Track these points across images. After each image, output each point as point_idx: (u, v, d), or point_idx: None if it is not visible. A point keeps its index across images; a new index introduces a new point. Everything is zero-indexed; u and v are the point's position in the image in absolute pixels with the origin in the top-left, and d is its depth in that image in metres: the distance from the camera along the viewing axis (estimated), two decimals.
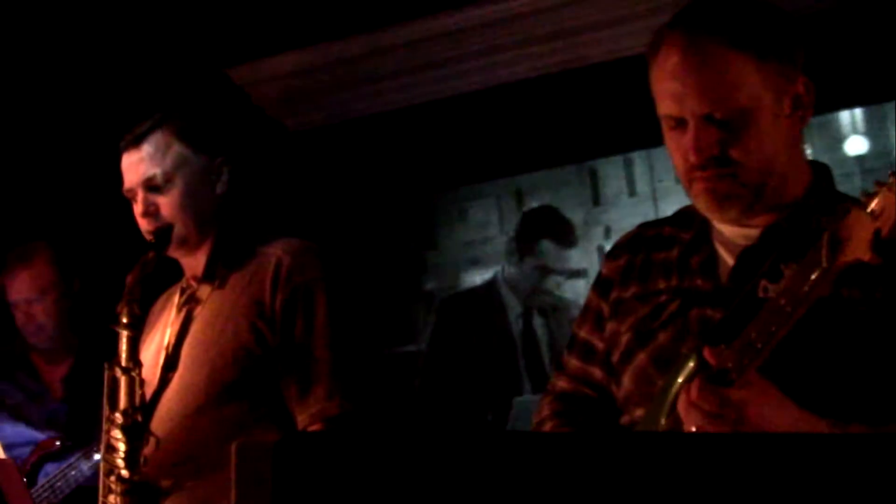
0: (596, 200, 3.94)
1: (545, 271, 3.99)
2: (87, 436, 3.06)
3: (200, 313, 2.30)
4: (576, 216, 3.94)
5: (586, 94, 3.69)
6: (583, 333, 1.79)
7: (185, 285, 2.40)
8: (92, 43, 3.84)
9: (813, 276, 1.34)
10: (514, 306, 4.02)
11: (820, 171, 1.66)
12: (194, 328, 2.29)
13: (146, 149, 2.29)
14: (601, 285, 1.78)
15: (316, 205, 4.14)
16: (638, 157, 3.90)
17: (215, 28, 3.89)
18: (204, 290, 2.32)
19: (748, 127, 1.52)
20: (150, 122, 2.32)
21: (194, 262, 2.35)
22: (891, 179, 1.34)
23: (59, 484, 2.97)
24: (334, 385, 2.17)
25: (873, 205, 1.33)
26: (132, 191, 2.30)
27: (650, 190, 3.92)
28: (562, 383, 1.81)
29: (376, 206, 4.24)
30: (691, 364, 1.49)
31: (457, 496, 0.97)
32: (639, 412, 1.61)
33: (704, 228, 1.66)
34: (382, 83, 4.09)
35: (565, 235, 3.97)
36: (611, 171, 3.91)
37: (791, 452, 0.97)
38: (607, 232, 3.89)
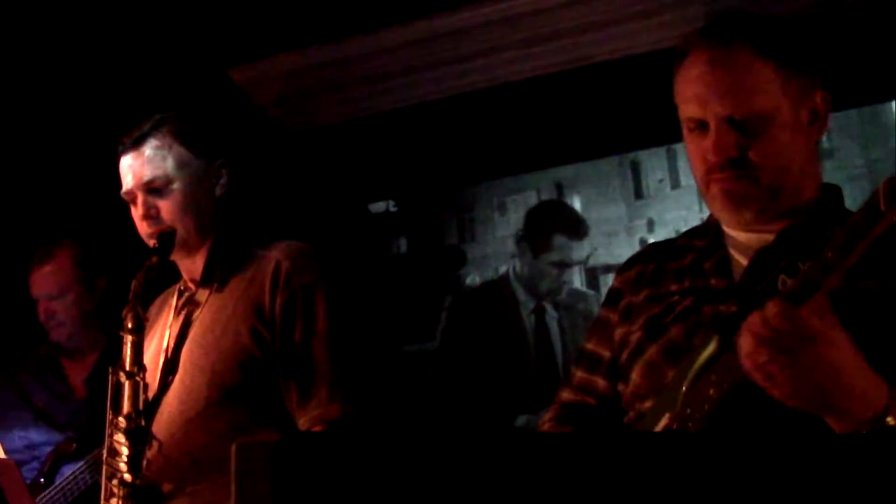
0: (638, 193, 3.90)
1: (559, 266, 3.97)
2: (102, 437, 3.07)
3: (199, 316, 2.29)
4: (618, 209, 3.89)
5: (618, 87, 3.67)
6: (590, 346, 1.82)
7: (182, 288, 2.39)
8: (96, 44, 3.84)
9: (868, 226, 1.34)
10: (526, 302, 4.01)
11: (830, 190, 1.70)
12: (194, 332, 2.28)
13: (146, 151, 2.28)
14: (611, 297, 1.81)
15: (317, 205, 4.15)
16: (681, 149, 3.86)
17: (215, 28, 3.89)
18: (202, 294, 2.32)
19: (767, 132, 1.57)
20: (149, 125, 2.32)
21: (193, 265, 2.34)
22: None
23: (69, 486, 2.98)
24: (335, 388, 2.16)
25: None
26: (131, 193, 2.30)
27: (694, 182, 3.88)
28: (565, 394, 1.84)
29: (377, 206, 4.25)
30: (712, 348, 1.50)
31: (457, 496, 0.97)
32: (647, 405, 1.61)
33: (718, 237, 1.69)
34: (382, 83, 4.09)
35: (576, 228, 3.95)
36: (653, 163, 3.86)
37: (785, 453, 0.97)
38: (650, 225, 3.86)
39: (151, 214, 2.27)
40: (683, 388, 1.52)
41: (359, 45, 4.03)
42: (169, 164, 2.28)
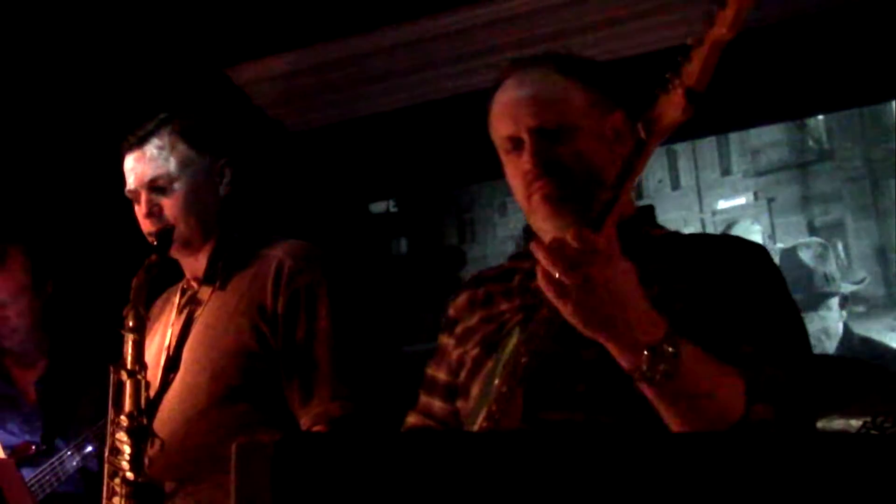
0: (638, 194, 3.89)
1: None
2: (62, 438, 3.07)
3: (202, 315, 2.29)
4: None
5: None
6: (429, 371, 1.92)
7: (185, 286, 2.40)
8: (91, 44, 3.84)
9: (633, 155, 1.48)
10: None
11: (643, 208, 1.82)
12: (195, 330, 2.28)
13: (150, 150, 2.29)
14: (447, 325, 1.91)
15: (317, 205, 4.15)
16: (681, 150, 3.87)
17: (215, 28, 3.89)
18: (205, 292, 2.32)
19: (576, 139, 1.70)
20: (154, 123, 2.32)
21: (195, 264, 2.35)
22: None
23: (33, 489, 2.97)
24: (336, 387, 2.17)
25: (676, 81, 1.45)
26: (135, 192, 2.30)
27: (694, 183, 3.90)
28: (411, 419, 1.92)
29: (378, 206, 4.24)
30: (516, 337, 1.61)
31: (457, 496, 0.97)
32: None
33: None
34: (382, 83, 4.09)
35: None
36: (653, 164, 3.85)
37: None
38: None
39: (154, 213, 2.28)
40: (496, 381, 1.61)
41: (359, 45, 4.03)
42: (172, 163, 2.28)
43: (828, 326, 3.77)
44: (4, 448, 3.03)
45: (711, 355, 1.47)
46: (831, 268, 3.78)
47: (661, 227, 1.82)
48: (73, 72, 3.90)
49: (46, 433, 3.11)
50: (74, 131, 3.88)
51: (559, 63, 1.76)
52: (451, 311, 1.92)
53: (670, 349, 1.42)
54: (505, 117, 1.74)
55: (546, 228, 1.74)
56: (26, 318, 3.18)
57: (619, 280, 1.43)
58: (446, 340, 1.90)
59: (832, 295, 3.77)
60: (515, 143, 1.72)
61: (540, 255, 1.45)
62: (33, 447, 3.08)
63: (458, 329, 1.86)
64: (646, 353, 1.42)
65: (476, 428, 1.61)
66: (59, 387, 3.18)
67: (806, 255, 3.82)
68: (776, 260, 3.82)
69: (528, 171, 1.69)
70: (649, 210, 1.83)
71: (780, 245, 3.86)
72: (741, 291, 1.60)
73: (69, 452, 2.97)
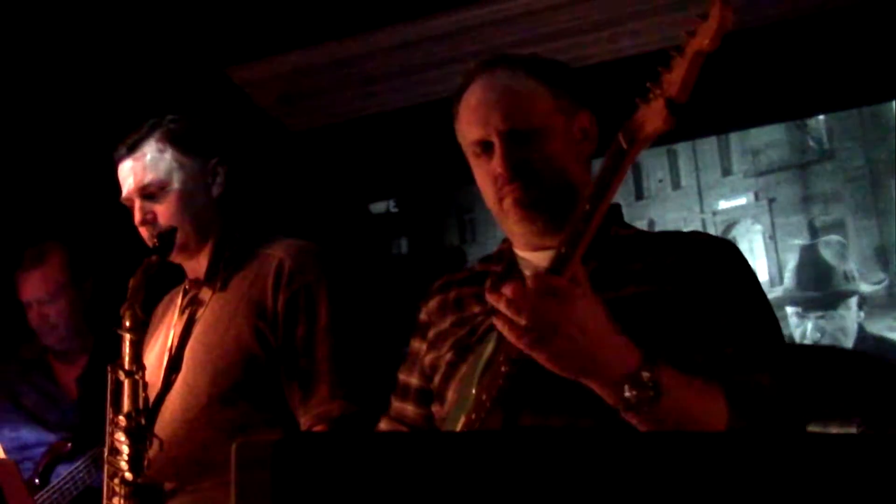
0: (639, 194, 3.89)
1: None
2: (98, 437, 3.07)
3: (203, 315, 2.30)
4: None
5: (616, 88, 3.67)
6: (402, 377, 1.92)
7: (187, 287, 2.40)
8: (95, 44, 3.84)
9: (614, 165, 1.49)
10: None
11: (610, 208, 1.78)
12: (197, 330, 2.29)
13: (140, 157, 2.29)
14: (419, 329, 1.91)
15: (317, 205, 4.15)
16: (681, 149, 3.87)
17: (215, 28, 3.89)
18: (206, 293, 2.32)
19: (546, 142, 1.69)
20: (143, 130, 2.33)
21: (196, 265, 2.35)
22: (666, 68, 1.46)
23: (67, 486, 2.98)
24: (336, 386, 2.17)
25: (657, 91, 1.45)
26: (129, 199, 2.31)
27: (695, 183, 3.90)
28: (383, 425, 1.93)
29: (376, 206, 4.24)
30: (492, 344, 1.61)
31: (457, 496, 0.97)
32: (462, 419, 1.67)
33: (512, 261, 1.80)
34: (382, 83, 4.09)
35: None
36: (653, 164, 3.86)
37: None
38: (651, 226, 3.85)
39: (148, 220, 2.28)
40: (474, 390, 1.60)
41: (358, 45, 4.03)
42: (163, 168, 2.28)
43: (846, 325, 3.77)
44: (43, 444, 3.05)
45: (688, 374, 1.47)
46: (850, 266, 3.78)
47: (630, 227, 1.81)
48: (88, 75, 3.90)
49: (84, 431, 3.12)
50: (105, 131, 3.88)
51: (525, 65, 1.75)
52: (422, 315, 1.92)
53: (648, 374, 1.41)
54: (474, 121, 1.73)
55: (518, 232, 1.75)
56: (65, 315, 3.20)
57: (588, 318, 1.42)
58: (418, 345, 1.90)
59: (852, 294, 3.77)
60: (485, 147, 1.72)
61: (502, 306, 1.44)
62: (69, 444, 3.09)
63: (431, 333, 1.86)
64: (626, 385, 1.42)
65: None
66: (99, 385, 3.19)
67: (827, 253, 3.82)
68: (793, 257, 3.83)
69: (499, 174, 1.69)
70: (616, 209, 1.81)
71: (797, 241, 3.85)
72: (716, 290, 1.60)
73: (89, 459, 2.98)
